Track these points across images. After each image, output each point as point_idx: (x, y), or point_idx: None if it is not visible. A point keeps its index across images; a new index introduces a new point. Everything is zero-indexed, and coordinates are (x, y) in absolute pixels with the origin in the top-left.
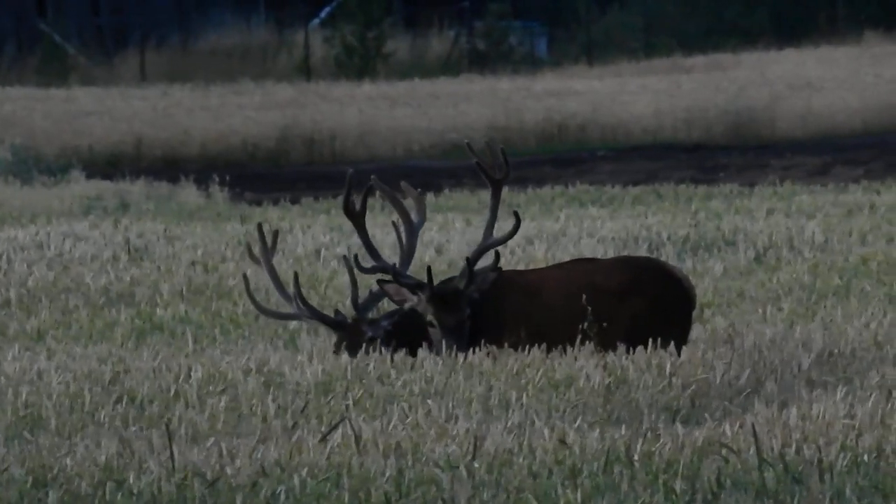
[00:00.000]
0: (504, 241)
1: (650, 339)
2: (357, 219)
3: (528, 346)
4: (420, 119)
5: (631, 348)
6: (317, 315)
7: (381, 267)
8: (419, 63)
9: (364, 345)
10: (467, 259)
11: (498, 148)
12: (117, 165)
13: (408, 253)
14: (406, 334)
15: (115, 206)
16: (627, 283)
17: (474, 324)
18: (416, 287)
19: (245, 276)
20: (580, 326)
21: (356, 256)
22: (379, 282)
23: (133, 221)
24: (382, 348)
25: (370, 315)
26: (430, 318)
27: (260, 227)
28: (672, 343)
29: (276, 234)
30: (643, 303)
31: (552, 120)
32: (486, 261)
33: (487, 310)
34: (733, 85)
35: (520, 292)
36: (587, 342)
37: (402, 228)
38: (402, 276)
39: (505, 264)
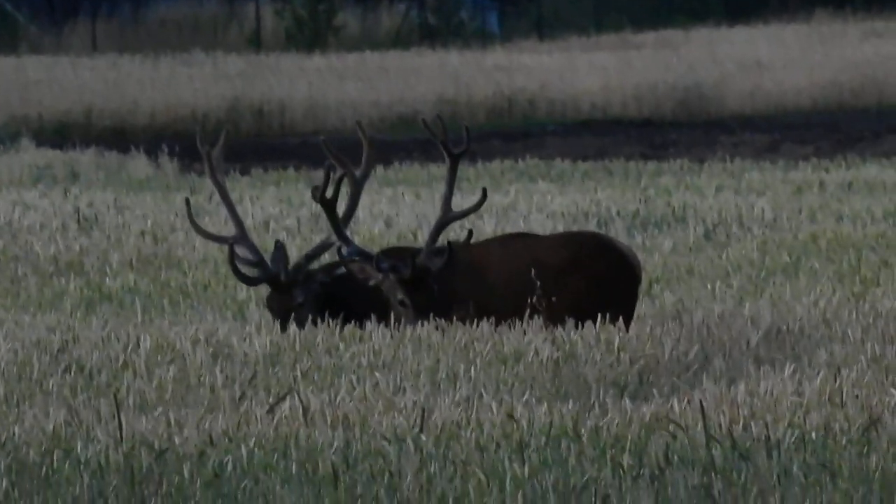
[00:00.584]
0: (467, 214)
1: (597, 315)
2: (328, 206)
3: (475, 322)
4: (370, 92)
5: (580, 323)
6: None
7: (361, 254)
8: (370, 36)
9: (293, 312)
10: (449, 242)
11: (462, 124)
12: (67, 135)
13: (350, 207)
14: (337, 300)
15: (65, 176)
16: (572, 258)
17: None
18: (391, 270)
19: (187, 200)
20: (528, 301)
21: (339, 248)
22: (343, 262)
23: (83, 191)
24: (310, 314)
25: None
26: (401, 297)
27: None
28: (620, 319)
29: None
30: (587, 278)
31: (502, 94)
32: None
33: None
34: (683, 62)
35: (466, 268)
36: (535, 316)
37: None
38: (380, 261)
39: (452, 238)
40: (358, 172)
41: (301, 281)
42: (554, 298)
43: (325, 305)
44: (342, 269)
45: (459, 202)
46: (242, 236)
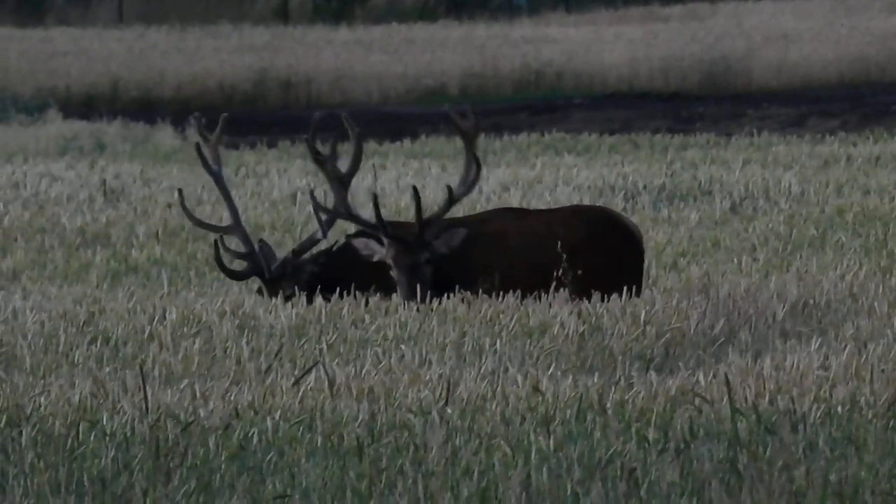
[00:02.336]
0: (468, 192)
1: (606, 289)
2: (323, 165)
3: (497, 294)
4: (396, 65)
5: (605, 296)
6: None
7: (369, 226)
8: (396, 8)
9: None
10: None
11: (467, 107)
12: (93, 106)
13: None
14: (333, 280)
15: (92, 147)
16: (584, 232)
17: (443, 276)
18: (373, 228)
19: (179, 191)
20: (543, 274)
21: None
22: (348, 236)
23: (109, 162)
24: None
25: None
26: (389, 260)
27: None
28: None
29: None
30: (598, 252)
31: (528, 67)
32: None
33: (454, 261)
34: (709, 35)
35: (482, 242)
36: (561, 290)
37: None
38: (369, 225)
39: (481, 211)
40: (346, 168)
41: (289, 274)
42: (565, 272)
43: (316, 289)
44: (335, 250)
45: (485, 175)
46: (236, 226)
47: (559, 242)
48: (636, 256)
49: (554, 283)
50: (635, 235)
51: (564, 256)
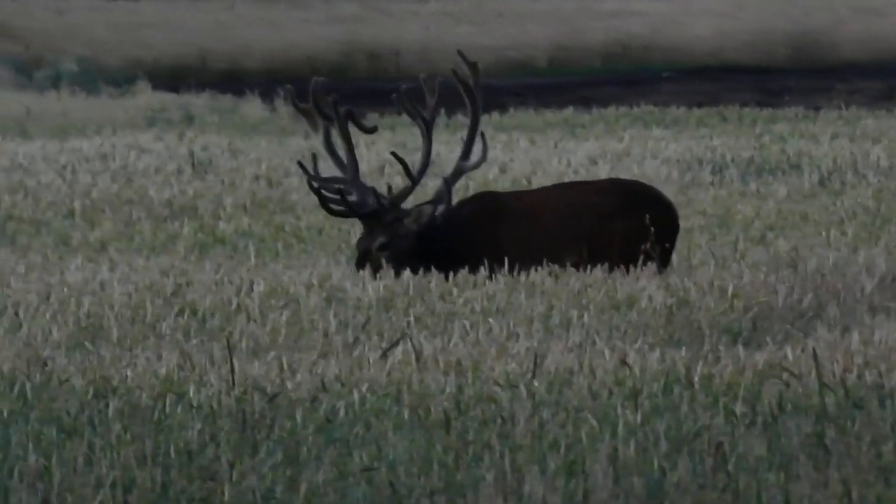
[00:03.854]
0: (476, 166)
1: (639, 259)
2: (306, 114)
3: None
4: (484, 37)
5: (692, 271)
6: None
7: (332, 179)
8: None
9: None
10: (444, 179)
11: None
12: (181, 78)
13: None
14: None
15: (180, 119)
16: (618, 201)
17: (466, 249)
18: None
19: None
20: (643, 247)
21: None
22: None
23: (197, 134)
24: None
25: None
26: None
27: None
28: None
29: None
30: (631, 220)
31: (616, 40)
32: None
33: (482, 233)
34: (797, 8)
35: (516, 214)
36: (649, 262)
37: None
38: (347, 193)
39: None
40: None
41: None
42: (605, 242)
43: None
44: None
45: (573, 148)
46: (354, 179)
47: (592, 210)
48: (669, 227)
49: (642, 257)
50: (669, 206)
51: (588, 225)
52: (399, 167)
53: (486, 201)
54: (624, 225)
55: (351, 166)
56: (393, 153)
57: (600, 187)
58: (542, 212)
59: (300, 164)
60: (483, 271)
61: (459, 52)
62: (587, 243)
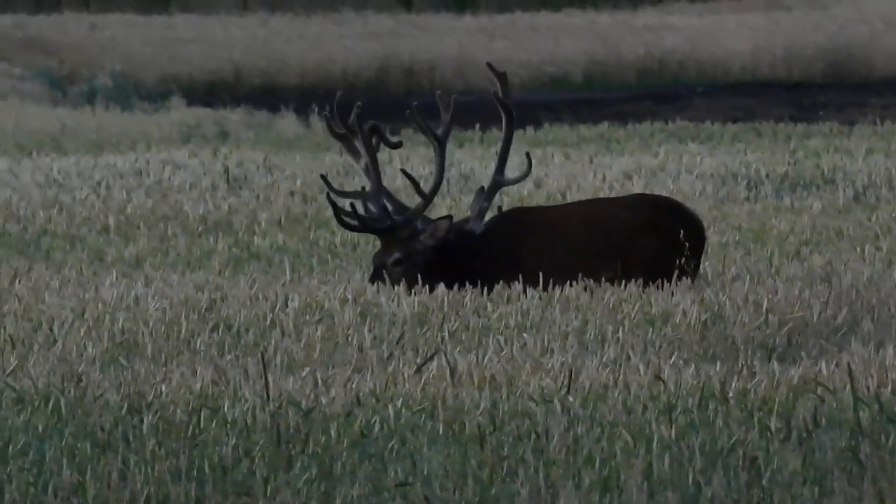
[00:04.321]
0: (517, 181)
1: (666, 275)
2: (343, 139)
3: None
4: (519, 52)
5: (727, 286)
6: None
7: (354, 194)
8: None
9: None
10: (480, 192)
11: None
12: (216, 94)
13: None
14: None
15: (215, 134)
16: (645, 216)
17: (486, 263)
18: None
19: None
20: (678, 262)
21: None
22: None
23: (232, 150)
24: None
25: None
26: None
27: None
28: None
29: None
30: (658, 235)
31: (651, 55)
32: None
33: (506, 246)
34: (832, 23)
35: (541, 228)
36: (684, 277)
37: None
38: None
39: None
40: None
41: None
42: (629, 256)
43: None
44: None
45: (608, 163)
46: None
47: (619, 224)
48: (695, 241)
49: (676, 272)
50: (693, 220)
51: (612, 241)
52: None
53: (509, 216)
54: (649, 239)
55: (374, 181)
56: (402, 171)
57: (625, 202)
58: (566, 226)
59: (323, 178)
60: (517, 286)
61: (489, 64)
62: (611, 258)
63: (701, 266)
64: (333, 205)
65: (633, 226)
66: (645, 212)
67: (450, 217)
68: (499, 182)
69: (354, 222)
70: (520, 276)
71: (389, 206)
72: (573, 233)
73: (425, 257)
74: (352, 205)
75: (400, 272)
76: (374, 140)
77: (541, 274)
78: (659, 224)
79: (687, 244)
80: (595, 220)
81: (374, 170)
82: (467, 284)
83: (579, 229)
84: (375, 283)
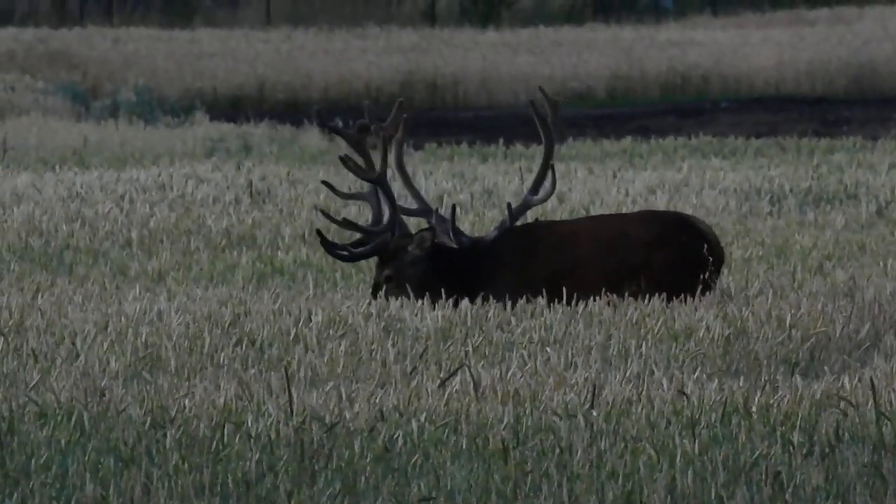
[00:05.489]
0: (543, 200)
1: (680, 291)
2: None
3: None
4: (543, 67)
5: (750, 301)
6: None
7: (356, 195)
8: (543, 11)
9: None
10: (509, 206)
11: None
12: (240, 108)
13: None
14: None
15: (238, 149)
16: (656, 231)
17: (487, 276)
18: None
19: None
20: (702, 276)
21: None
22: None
23: (256, 164)
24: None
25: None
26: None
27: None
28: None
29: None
30: (668, 251)
31: (675, 70)
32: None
33: (516, 260)
34: (856, 38)
35: (551, 244)
36: (707, 293)
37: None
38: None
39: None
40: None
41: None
42: (640, 273)
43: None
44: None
45: (631, 177)
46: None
47: (629, 241)
48: (707, 257)
49: (700, 287)
50: (707, 237)
51: (626, 257)
52: (460, 194)
53: (518, 230)
54: (659, 255)
55: (372, 189)
56: (324, 181)
57: (636, 217)
58: (576, 241)
59: (325, 183)
60: (541, 301)
61: (541, 89)
62: (621, 274)
63: (719, 280)
64: (322, 237)
65: (642, 241)
66: (654, 226)
67: (432, 228)
68: (527, 202)
69: (344, 253)
70: (525, 290)
71: (386, 211)
72: (580, 248)
73: (420, 268)
74: (345, 220)
75: (393, 287)
76: (366, 139)
77: (543, 289)
78: (666, 237)
79: (694, 259)
80: (603, 235)
81: (380, 163)
82: (490, 298)
83: (587, 244)
84: (376, 296)
